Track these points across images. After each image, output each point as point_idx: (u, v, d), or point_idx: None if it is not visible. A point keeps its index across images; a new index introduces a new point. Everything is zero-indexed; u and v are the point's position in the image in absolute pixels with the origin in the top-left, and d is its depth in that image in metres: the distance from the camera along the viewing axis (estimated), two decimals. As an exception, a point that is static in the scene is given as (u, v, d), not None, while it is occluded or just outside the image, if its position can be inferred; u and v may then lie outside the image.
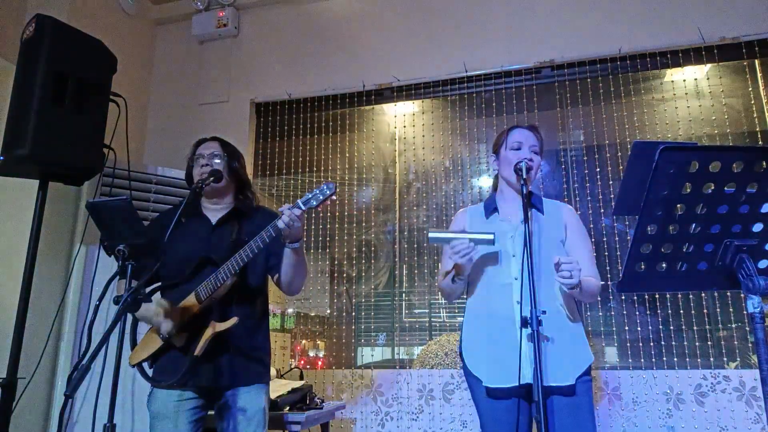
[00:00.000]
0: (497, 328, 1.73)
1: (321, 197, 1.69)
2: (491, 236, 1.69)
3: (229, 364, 1.85)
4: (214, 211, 2.01)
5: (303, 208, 1.69)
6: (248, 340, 1.91)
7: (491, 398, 1.73)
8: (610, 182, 3.14)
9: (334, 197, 1.71)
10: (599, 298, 2.82)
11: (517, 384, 1.63)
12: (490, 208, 1.90)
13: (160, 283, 1.96)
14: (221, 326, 1.77)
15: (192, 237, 1.96)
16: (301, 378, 2.85)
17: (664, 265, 1.11)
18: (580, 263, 1.77)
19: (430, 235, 1.74)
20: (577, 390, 1.66)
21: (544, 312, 1.53)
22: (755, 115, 2.98)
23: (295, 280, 1.92)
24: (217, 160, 1.99)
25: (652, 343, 2.82)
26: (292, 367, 3.14)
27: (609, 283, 2.95)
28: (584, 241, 1.84)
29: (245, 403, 1.86)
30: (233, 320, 1.77)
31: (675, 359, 2.76)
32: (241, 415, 1.85)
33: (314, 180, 3.75)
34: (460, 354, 1.84)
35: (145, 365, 1.90)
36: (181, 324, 1.83)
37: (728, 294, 2.76)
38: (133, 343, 1.96)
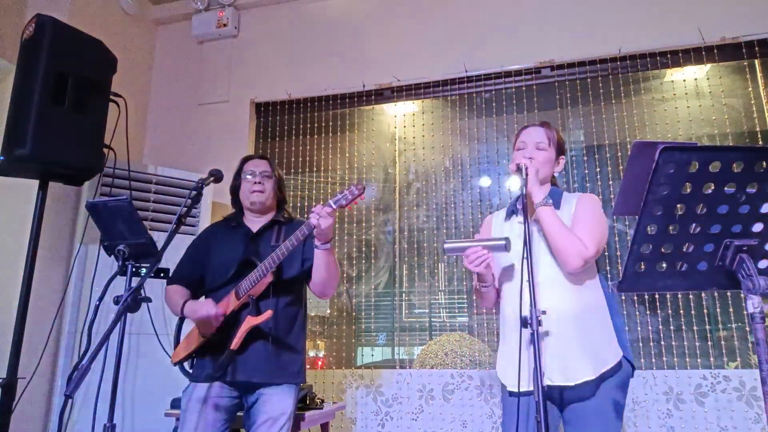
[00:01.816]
0: (512, 330, 1.72)
1: (350, 197, 1.77)
2: (503, 242, 1.66)
3: (261, 360, 1.90)
4: (255, 222, 2.11)
5: (333, 206, 1.77)
6: (282, 338, 1.96)
7: (512, 398, 1.72)
8: (610, 182, 3.14)
9: (363, 197, 1.79)
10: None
11: (525, 389, 1.61)
12: (510, 210, 1.89)
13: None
14: (256, 320, 1.84)
15: (233, 244, 2.05)
16: (301, 378, 2.84)
17: (664, 265, 1.10)
18: (574, 227, 1.68)
19: (446, 246, 1.74)
20: (599, 392, 1.60)
21: (544, 312, 1.51)
22: (755, 115, 2.97)
23: (327, 282, 1.97)
24: (269, 181, 2.10)
25: (652, 343, 2.82)
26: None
27: (609, 283, 2.94)
28: (586, 213, 1.71)
29: (273, 404, 1.89)
30: (267, 314, 1.83)
31: (675, 359, 2.76)
32: (266, 417, 1.88)
33: (314, 180, 3.75)
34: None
35: (186, 364, 2.00)
36: (222, 321, 1.90)
37: (728, 294, 2.76)
38: (176, 342, 2.04)
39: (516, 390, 1.66)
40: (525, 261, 1.54)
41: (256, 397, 1.91)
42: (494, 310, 1.91)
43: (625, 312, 2.90)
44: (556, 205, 1.77)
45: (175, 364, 1.99)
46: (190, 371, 2.00)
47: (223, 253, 2.04)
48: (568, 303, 1.66)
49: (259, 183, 2.07)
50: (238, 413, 1.99)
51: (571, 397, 1.62)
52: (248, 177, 2.09)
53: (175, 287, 2.05)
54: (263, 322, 1.85)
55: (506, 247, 1.66)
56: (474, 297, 1.93)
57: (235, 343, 1.84)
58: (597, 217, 1.71)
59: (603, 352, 1.63)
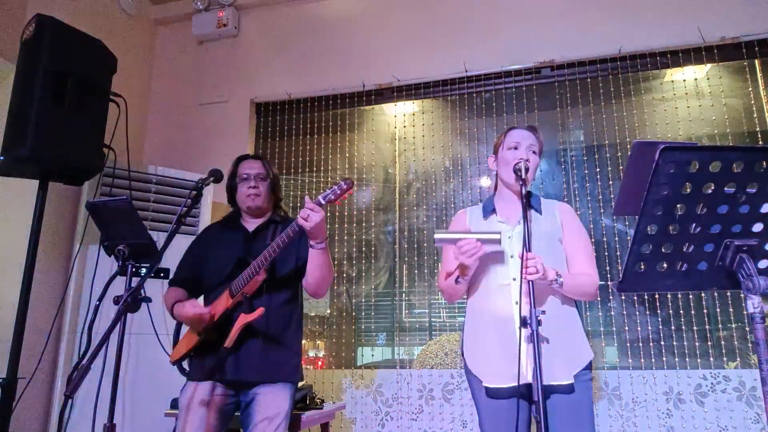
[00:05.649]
0: (497, 328, 1.73)
1: (338, 191, 1.77)
2: (498, 236, 1.68)
3: (256, 358, 1.90)
4: (252, 223, 2.12)
5: (322, 201, 1.78)
6: (277, 336, 1.96)
7: (491, 397, 1.74)
8: (610, 182, 3.14)
9: (351, 192, 1.78)
10: (598, 298, 2.82)
11: (516, 384, 1.63)
12: (489, 209, 1.91)
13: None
14: (248, 317, 1.83)
15: (230, 245, 2.05)
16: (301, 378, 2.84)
17: (664, 265, 1.10)
18: (576, 260, 1.79)
19: (436, 236, 1.73)
20: (576, 388, 1.66)
21: (543, 312, 1.52)
22: (755, 115, 2.98)
23: (320, 283, 1.97)
24: (264, 184, 2.10)
25: (652, 343, 2.82)
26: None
27: (609, 283, 2.95)
28: (580, 238, 1.84)
29: (269, 404, 1.89)
30: (260, 311, 1.83)
31: (675, 359, 2.76)
32: (262, 417, 1.87)
33: (314, 180, 3.75)
34: (462, 354, 1.85)
35: (185, 363, 2.00)
36: (216, 320, 1.90)
37: (728, 294, 2.76)
38: (176, 341, 2.05)
39: (494, 386, 1.71)
40: (523, 260, 1.56)
41: (252, 396, 1.91)
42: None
43: (624, 312, 2.91)
44: (538, 210, 1.86)
45: (173, 363, 2.00)
46: (187, 370, 2.00)
47: (220, 254, 2.04)
48: (548, 304, 1.73)
49: (255, 187, 2.08)
50: (236, 413, 1.99)
51: (551, 390, 1.68)
52: (243, 179, 2.09)
53: (173, 290, 2.06)
54: (257, 320, 1.84)
55: (500, 242, 1.68)
56: (440, 288, 1.95)
57: (230, 341, 1.84)
58: (586, 238, 1.86)
59: (580, 350, 1.73)
